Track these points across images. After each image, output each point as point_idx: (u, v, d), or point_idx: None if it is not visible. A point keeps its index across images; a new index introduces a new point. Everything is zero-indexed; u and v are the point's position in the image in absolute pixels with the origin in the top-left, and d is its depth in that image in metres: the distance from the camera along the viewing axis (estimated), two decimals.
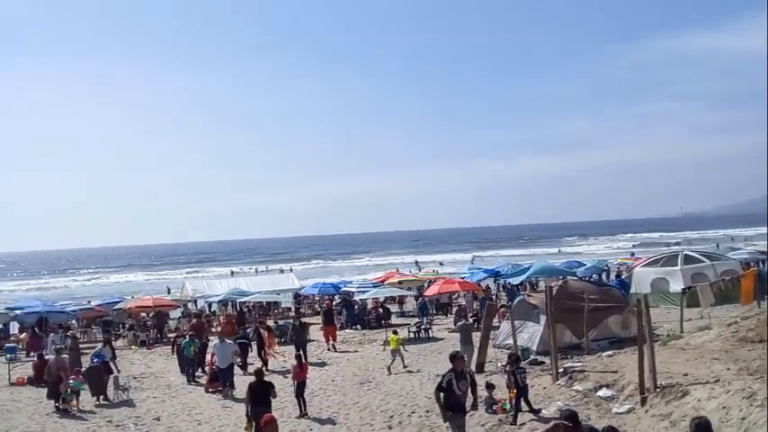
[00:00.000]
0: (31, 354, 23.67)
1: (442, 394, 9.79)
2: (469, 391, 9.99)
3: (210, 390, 17.38)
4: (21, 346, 26.07)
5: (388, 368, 18.22)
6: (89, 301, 38.50)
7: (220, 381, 17.31)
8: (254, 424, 11.36)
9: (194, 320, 26.11)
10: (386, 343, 20.72)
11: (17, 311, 30.80)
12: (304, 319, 31.85)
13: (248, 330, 23.28)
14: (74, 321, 31.47)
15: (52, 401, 15.86)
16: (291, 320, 26.06)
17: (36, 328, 28.26)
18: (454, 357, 10.23)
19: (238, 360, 19.00)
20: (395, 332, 20.32)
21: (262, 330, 21.81)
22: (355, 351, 23.05)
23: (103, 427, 14.24)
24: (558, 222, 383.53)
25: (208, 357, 19.51)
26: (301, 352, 18.51)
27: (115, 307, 34.14)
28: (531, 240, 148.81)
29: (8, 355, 23.39)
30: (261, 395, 11.98)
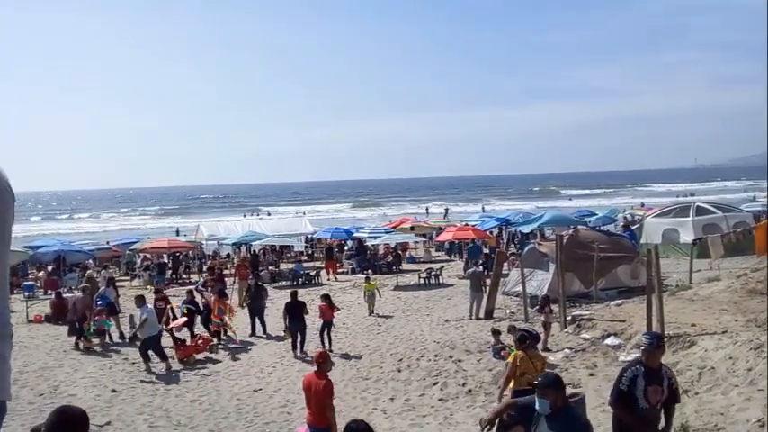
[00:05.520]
0: (49, 292, 24.19)
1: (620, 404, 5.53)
2: (661, 406, 5.51)
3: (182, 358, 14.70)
4: (38, 285, 26.58)
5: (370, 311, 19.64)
6: (107, 242, 39.03)
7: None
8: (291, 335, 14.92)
9: (209, 274, 24.26)
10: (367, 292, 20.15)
11: (35, 250, 31.27)
12: (316, 263, 32.56)
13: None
14: (90, 261, 32.01)
15: (72, 338, 16.25)
16: (250, 281, 19.79)
17: (54, 267, 28.78)
18: (647, 346, 5.56)
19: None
20: (367, 279, 21.51)
21: (207, 294, 18.32)
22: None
23: (119, 364, 14.62)
24: (568, 172, 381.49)
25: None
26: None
27: (131, 247, 34.64)
28: (541, 190, 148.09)
29: (26, 293, 23.89)
30: (296, 312, 15.03)
